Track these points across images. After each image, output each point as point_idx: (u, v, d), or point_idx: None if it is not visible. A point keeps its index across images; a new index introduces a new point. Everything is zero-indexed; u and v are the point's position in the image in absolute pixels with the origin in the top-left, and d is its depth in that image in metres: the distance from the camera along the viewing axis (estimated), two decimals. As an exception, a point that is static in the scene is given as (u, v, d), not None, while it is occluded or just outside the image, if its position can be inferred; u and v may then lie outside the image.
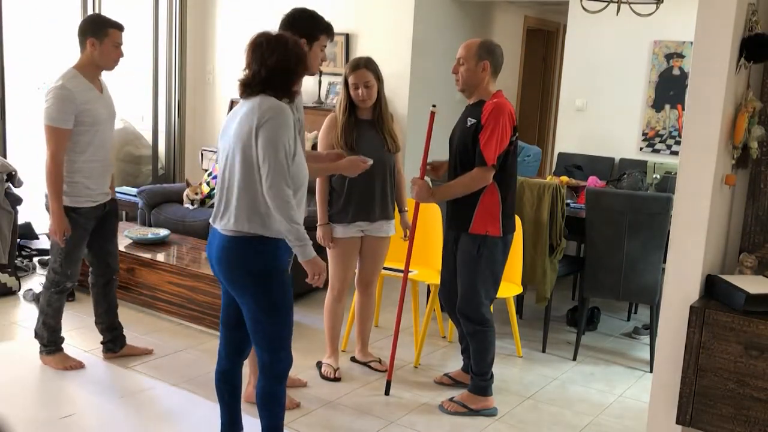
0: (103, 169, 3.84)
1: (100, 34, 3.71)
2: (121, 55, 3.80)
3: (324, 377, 4.02)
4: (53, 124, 3.61)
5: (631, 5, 5.00)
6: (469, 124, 3.58)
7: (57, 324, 3.98)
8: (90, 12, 6.44)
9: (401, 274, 3.96)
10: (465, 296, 3.69)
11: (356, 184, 3.83)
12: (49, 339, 3.98)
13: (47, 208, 3.78)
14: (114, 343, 4.15)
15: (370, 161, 3.56)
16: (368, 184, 3.86)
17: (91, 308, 4.15)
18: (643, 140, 6.23)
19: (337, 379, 4.00)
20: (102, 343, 4.15)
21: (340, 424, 3.56)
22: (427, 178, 3.80)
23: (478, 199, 3.56)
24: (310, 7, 6.44)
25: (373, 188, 3.88)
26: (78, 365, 3.99)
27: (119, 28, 3.78)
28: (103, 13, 6.49)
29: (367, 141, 3.85)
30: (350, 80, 3.82)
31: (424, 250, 4.60)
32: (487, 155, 3.47)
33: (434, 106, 3.79)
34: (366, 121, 3.88)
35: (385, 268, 4.54)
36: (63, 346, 4.05)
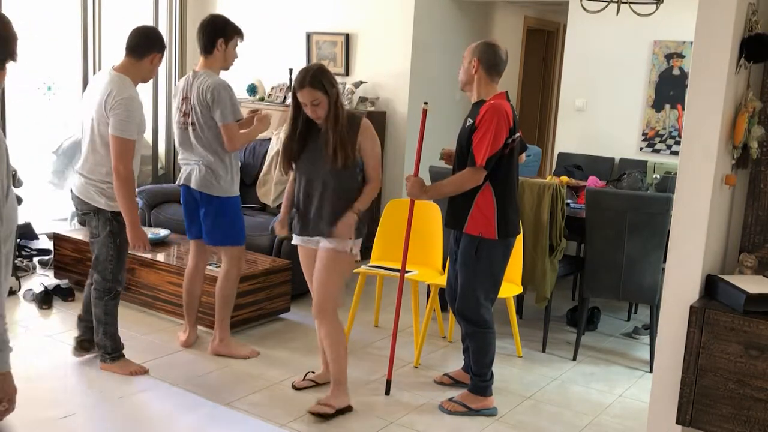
0: (137, 173, 3.91)
1: (162, 52, 3.81)
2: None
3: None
4: (127, 136, 3.63)
5: (631, 5, 5.00)
6: (467, 124, 3.58)
7: (116, 330, 3.97)
8: (90, 12, 6.44)
9: (398, 274, 3.95)
10: (464, 297, 3.69)
11: (300, 197, 3.60)
12: (113, 346, 3.97)
13: (96, 213, 3.75)
14: (91, 343, 4.11)
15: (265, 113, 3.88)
16: (307, 200, 3.58)
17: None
18: (643, 140, 6.23)
19: None
20: (81, 340, 4.09)
21: (341, 424, 3.56)
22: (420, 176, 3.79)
23: (474, 199, 3.56)
24: (308, 7, 6.45)
25: (310, 204, 3.57)
26: (141, 371, 3.97)
27: (164, 51, 3.88)
28: (101, 18, 6.50)
29: (309, 154, 3.54)
30: (298, 97, 3.47)
31: (424, 250, 4.60)
32: (477, 156, 3.47)
33: (426, 103, 3.79)
34: (319, 130, 3.52)
35: (384, 268, 4.54)
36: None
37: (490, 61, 3.57)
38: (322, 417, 3.54)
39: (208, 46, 4.04)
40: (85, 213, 3.79)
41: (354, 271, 4.56)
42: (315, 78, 3.40)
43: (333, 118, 3.43)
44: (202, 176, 4.07)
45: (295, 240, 3.71)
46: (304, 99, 3.42)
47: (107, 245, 3.78)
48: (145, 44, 3.77)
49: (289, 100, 6.64)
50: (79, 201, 3.82)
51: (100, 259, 3.82)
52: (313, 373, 3.95)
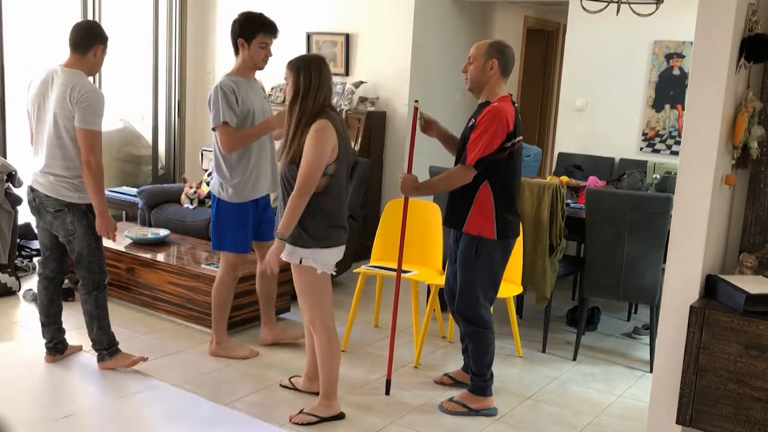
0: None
1: (104, 43, 3.80)
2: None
3: None
4: (94, 128, 3.66)
5: (631, 5, 5.00)
6: (470, 123, 3.58)
7: (109, 323, 3.98)
8: (90, 12, 6.44)
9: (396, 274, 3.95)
10: (463, 296, 3.69)
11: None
12: (109, 341, 3.97)
13: (69, 208, 3.75)
14: (64, 344, 4.10)
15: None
16: (281, 199, 3.45)
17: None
18: (643, 140, 6.23)
19: None
20: (55, 343, 4.05)
21: (341, 424, 3.56)
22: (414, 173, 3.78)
23: (473, 199, 3.56)
24: (309, 7, 6.42)
25: (280, 203, 3.46)
26: (141, 360, 3.99)
27: (106, 42, 3.84)
28: (101, 18, 6.50)
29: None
30: None
31: (423, 250, 4.59)
32: (468, 155, 3.48)
33: (417, 101, 3.77)
34: None
35: (383, 268, 4.54)
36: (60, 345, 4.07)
37: (506, 62, 3.57)
38: (305, 426, 3.50)
39: (234, 48, 4.06)
40: (59, 210, 3.77)
41: (354, 271, 4.56)
42: (297, 61, 3.40)
43: (289, 109, 3.34)
44: (214, 179, 4.11)
45: None
46: (285, 77, 3.41)
47: (87, 239, 3.79)
48: (87, 38, 3.78)
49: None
50: (49, 199, 3.77)
51: (83, 255, 3.82)
52: (298, 377, 3.92)
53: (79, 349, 4.18)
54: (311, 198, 3.30)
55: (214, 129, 3.96)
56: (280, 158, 3.40)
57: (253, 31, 3.98)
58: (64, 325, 4.07)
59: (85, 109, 3.63)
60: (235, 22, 4.02)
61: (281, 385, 3.91)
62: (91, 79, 3.82)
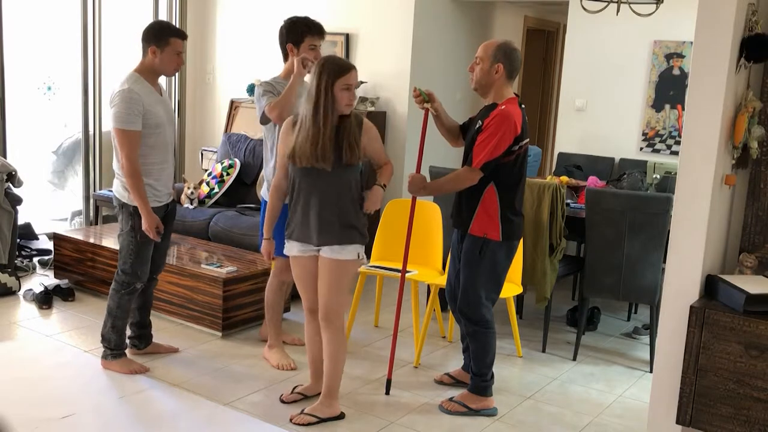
0: (168, 170, 3.93)
1: (161, 43, 3.76)
2: (182, 62, 3.87)
3: None
4: (125, 126, 3.66)
5: (631, 5, 5.00)
6: (477, 126, 3.58)
7: (125, 326, 3.99)
8: (90, 12, 6.44)
9: (399, 274, 3.95)
10: (465, 296, 3.69)
11: (299, 199, 3.41)
12: (116, 343, 3.97)
13: (121, 207, 3.82)
14: (140, 340, 4.16)
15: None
16: (308, 202, 3.39)
17: (90, 308, 4.15)
18: (643, 140, 6.23)
19: None
20: (128, 338, 4.13)
21: (341, 424, 3.56)
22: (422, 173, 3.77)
23: (479, 201, 3.56)
24: (309, 7, 6.44)
25: (311, 207, 3.38)
26: (142, 369, 3.98)
27: (181, 36, 3.83)
28: (101, 18, 6.50)
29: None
30: (342, 82, 3.28)
31: (424, 250, 4.59)
32: (475, 158, 3.48)
33: (426, 101, 3.73)
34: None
35: (384, 268, 4.54)
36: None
37: (513, 66, 3.56)
38: (305, 426, 3.49)
39: (283, 55, 4.06)
40: (115, 207, 3.89)
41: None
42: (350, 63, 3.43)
43: (353, 109, 3.40)
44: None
45: (290, 248, 3.52)
46: (353, 80, 3.33)
47: (128, 239, 3.84)
48: (143, 40, 3.81)
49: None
50: (113, 197, 3.91)
51: (122, 253, 3.88)
52: (301, 385, 3.84)
53: (174, 350, 4.29)
54: (356, 194, 3.44)
55: (262, 122, 3.94)
56: (348, 160, 3.33)
57: (301, 34, 3.96)
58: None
59: (115, 108, 3.67)
60: (282, 29, 4.00)
61: (287, 402, 3.73)
62: (163, 79, 3.91)
